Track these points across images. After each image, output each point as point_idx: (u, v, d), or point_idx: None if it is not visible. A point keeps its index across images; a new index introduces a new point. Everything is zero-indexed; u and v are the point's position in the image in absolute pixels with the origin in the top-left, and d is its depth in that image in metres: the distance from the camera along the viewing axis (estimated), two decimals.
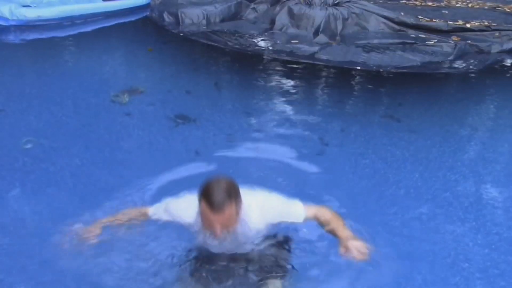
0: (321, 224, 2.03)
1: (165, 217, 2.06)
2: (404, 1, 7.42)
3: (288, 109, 4.05)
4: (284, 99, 4.32)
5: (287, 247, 2.20)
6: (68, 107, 3.96)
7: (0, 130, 3.54)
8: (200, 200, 1.84)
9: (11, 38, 5.64)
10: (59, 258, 2.28)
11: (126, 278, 2.20)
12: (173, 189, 2.49)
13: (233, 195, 1.83)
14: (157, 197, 2.31)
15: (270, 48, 5.39)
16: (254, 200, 2.01)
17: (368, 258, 1.79)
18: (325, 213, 2.03)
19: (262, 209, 2.00)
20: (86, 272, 2.21)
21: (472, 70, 5.10)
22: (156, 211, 2.08)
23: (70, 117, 3.79)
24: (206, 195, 1.80)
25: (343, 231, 1.92)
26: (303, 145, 3.41)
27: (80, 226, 1.99)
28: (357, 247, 1.80)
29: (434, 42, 5.54)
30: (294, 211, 2.03)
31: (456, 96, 4.62)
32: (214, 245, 2.03)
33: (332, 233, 1.98)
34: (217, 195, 1.78)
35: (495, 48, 5.51)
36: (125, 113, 3.89)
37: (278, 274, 2.13)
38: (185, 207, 2.02)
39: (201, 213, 1.86)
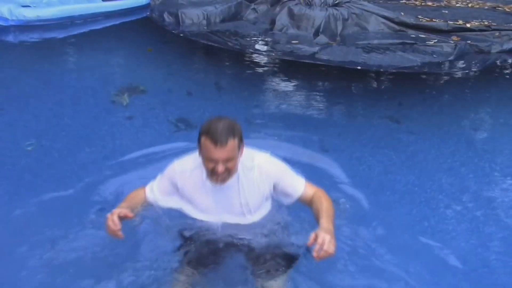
0: (312, 206, 1.97)
1: (160, 188, 2.03)
2: (404, 1, 7.42)
3: (288, 109, 4.05)
4: (283, 99, 4.32)
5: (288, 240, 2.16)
6: (69, 107, 3.96)
7: (0, 130, 3.53)
8: (200, 139, 1.81)
9: (11, 38, 5.63)
10: (61, 258, 2.31)
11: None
12: None
13: (236, 132, 1.81)
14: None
15: (270, 48, 5.39)
16: (257, 154, 1.99)
17: (321, 258, 1.69)
18: (321, 197, 1.97)
19: (264, 163, 1.97)
20: (77, 271, 2.23)
21: (472, 70, 5.10)
22: (151, 186, 2.07)
23: (70, 117, 3.78)
24: (207, 131, 1.78)
25: (325, 222, 1.82)
26: (302, 146, 3.40)
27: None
28: (323, 243, 1.69)
29: (434, 42, 5.55)
30: (295, 180, 2.01)
31: (456, 96, 4.62)
32: (213, 202, 1.98)
33: (316, 218, 1.92)
34: (220, 130, 1.76)
35: (495, 48, 5.51)
36: (125, 113, 3.89)
37: (278, 270, 2.09)
38: (179, 163, 2.01)
39: (202, 152, 1.82)
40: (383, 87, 4.89)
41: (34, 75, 4.63)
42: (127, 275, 2.19)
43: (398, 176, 3.19)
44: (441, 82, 4.96)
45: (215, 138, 1.75)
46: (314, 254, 1.68)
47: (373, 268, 2.34)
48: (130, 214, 1.85)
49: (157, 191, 2.06)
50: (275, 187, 1.98)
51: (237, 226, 2.05)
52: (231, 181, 1.92)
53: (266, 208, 2.07)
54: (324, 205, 1.92)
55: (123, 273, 2.20)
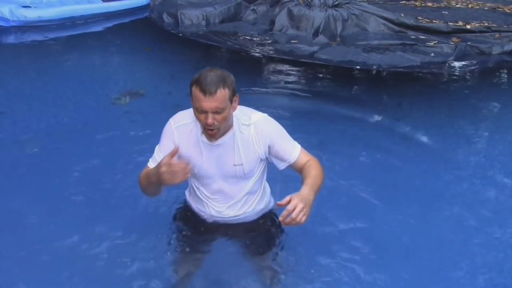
0: (302, 173, 1.91)
1: (164, 153, 1.90)
2: (403, 1, 7.43)
3: (287, 109, 4.04)
4: (283, 99, 4.32)
5: (277, 225, 2.16)
6: (69, 108, 3.97)
7: (1, 130, 3.54)
8: (191, 90, 1.76)
9: (12, 38, 5.65)
10: (60, 257, 2.32)
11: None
12: (177, 189, 2.53)
13: (228, 82, 1.75)
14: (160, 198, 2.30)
15: (270, 48, 5.40)
16: (255, 113, 1.94)
17: (287, 224, 1.64)
18: (312, 166, 1.91)
19: (261, 122, 1.91)
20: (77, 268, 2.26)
21: (473, 71, 5.10)
22: (154, 159, 1.95)
23: (71, 118, 3.79)
24: (197, 80, 1.73)
25: (306, 190, 1.74)
26: (302, 146, 3.40)
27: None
28: (293, 210, 1.61)
29: (434, 43, 5.55)
30: (291, 145, 1.95)
31: (456, 97, 4.62)
32: (206, 161, 1.90)
33: (303, 182, 1.84)
34: (210, 79, 1.71)
35: (495, 50, 5.51)
36: (125, 113, 3.90)
37: (267, 251, 2.14)
38: (174, 119, 1.95)
39: (193, 102, 1.76)
40: (383, 86, 4.89)
41: (35, 75, 4.65)
42: (128, 270, 2.23)
43: (399, 175, 3.19)
44: (441, 83, 4.95)
45: (204, 87, 1.70)
46: (280, 218, 1.63)
47: (374, 265, 2.36)
48: (175, 150, 1.73)
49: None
50: (270, 149, 1.92)
51: (229, 196, 2.00)
52: (227, 138, 1.88)
53: (259, 176, 2.01)
54: (312, 173, 1.85)
55: (125, 266, 2.24)
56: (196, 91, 1.73)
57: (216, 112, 1.74)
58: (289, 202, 1.63)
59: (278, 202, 1.67)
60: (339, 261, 2.36)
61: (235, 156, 1.90)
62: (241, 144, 1.89)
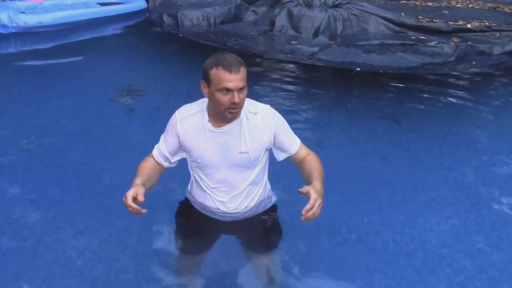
0: (303, 166, 1.95)
1: (168, 144, 1.95)
2: (404, 1, 7.43)
3: (287, 109, 4.04)
4: (283, 99, 4.32)
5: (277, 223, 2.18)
6: (69, 109, 3.97)
7: (2, 131, 3.55)
8: (209, 74, 1.77)
9: (11, 43, 5.66)
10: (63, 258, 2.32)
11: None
12: (176, 187, 2.53)
13: (243, 63, 1.79)
14: (159, 196, 2.30)
15: (270, 48, 5.40)
16: (260, 104, 1.98)
17: (308, 219, 1.67)
18: (313, 160, 1.95)
19: (267, 111, 1.95)
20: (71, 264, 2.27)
21: (473, 71, 5.10)
22: (157, 149, 1.97)
23: (71, 118, 3.80)
24: (217, 63, 1.76)
25: (319, 184, 1.79)
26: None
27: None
28: (314, 205, 1.65)
29: (435, 43, 5.54)
30: (292, 136, 2.00)
31: (455, 97, 4.61)
32: (211, 149, 1.90)
33: (308, 177, 1.87)
34: (230, 59, 1.76)
35: (496, 50, 5.50)
36: (125, 114, 3.91)
37: (267, 250, 2.16)
38: (179, 110, 1.95)
39: (215, 84, 1.76)
40: (383, 86, 4.89)
41: (35, 78, 4.66)
42: (129, 270, 2.25)
43: (399, 174, 3.19)
44: (441, 82, 4.95)
45: (228, 66, 1.74)
46: (303, 212, 1.66)
47: (373, 263, 2.36)
48: (141, 199, 1.74)
49: (165, 151, 1.97)
50: (274, 138, 1.95)
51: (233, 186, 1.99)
52: (234, 125, 1.88)
53: (262, 167, 2.01)
54: (317, 168, 1.90)
55: (126, 267, 2.27)
56: (219, 72, 1.75)
57: (241, 90, 1.77)
58: (308, 194, 1.68)
59: (300, 189, 1.71)
60: (339, 259, 2.36)
61: (241, 143, 1.90)
62: (248, 132, 1.90)
